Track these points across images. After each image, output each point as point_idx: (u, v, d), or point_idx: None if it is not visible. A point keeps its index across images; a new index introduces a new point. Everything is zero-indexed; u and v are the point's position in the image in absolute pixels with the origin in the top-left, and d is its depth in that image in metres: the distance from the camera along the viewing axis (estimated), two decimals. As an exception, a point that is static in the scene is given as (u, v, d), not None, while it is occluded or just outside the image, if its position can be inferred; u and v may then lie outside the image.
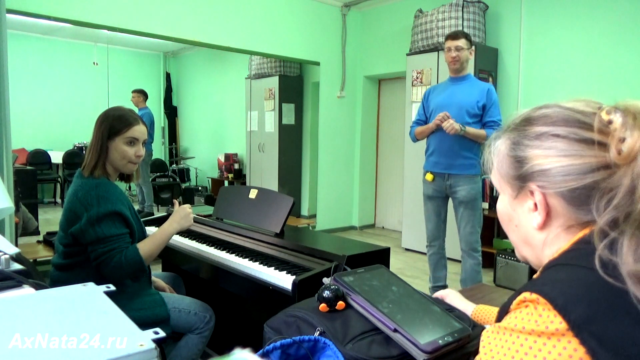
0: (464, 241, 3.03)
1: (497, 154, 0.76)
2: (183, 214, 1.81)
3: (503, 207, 0.78)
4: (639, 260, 0.58)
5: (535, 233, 0.73)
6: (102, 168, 1.74)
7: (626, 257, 0.59)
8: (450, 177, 2.98)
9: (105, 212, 1.65)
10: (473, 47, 3.00)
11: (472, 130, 2.86)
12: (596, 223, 0.64)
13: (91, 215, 1.63)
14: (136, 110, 5.45)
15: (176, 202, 1.93)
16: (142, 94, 5.69)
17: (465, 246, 3.03)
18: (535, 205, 0.71)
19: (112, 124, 1.75)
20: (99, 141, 1.74)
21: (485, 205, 4.28)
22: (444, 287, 3.15)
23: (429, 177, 3.07)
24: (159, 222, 2.59)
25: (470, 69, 4.38)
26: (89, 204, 1.64)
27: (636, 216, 0.60)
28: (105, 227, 1.65)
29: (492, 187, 4.29)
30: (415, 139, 3.17)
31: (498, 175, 0.76)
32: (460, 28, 4.46)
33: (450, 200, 3.11)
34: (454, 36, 2.98)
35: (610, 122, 0.65)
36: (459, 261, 4.44)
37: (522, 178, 0.72)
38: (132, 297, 1.73)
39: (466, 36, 2.98)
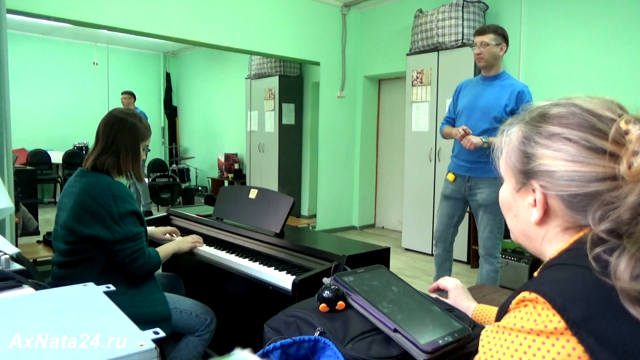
0: (482, 245, 2.91)
1: (508, 143, 0.75)
2: (184, 243, 2.08)
3: (505, 195, 0.78)
4: (634, 279, 0.58)
5: (534, 227, 0.73)
6: (117, 167, 1.78)
7: (622, 274, 0.58)
8: (471, 180, 2.87)
9: (126, 211, 1.69)
10: (504, 42, 2.78)
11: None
12: (591, 229, 0.64)
13: (114, 215, 1.66)
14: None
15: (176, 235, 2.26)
16: (132, 96, 5.72)
17: (483, 251, 2.92)
18: (535, 201, 0.71)
19: (142, 130, 1.83)
20: (133, 142, 1.80)
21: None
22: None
23: (451, 177, 2.96)
24: (158, 222, 2.59)
25: (468, 69, 4.41)
26: (107, 203, 1.66)
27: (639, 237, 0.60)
28: (131, 225, 1.71)
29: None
30: (443, 137, 3.09)
31: (505, 164, 0.76)
32: (460, 28, 4.46)
33: (468, 205, 3.00)
34: (480, 31, 2.80)
35: (627, 132, 0.64)
36: (458, 261, 4.46)
37: (527, 174, 0.71)
38: (135, 294, 1.73)
39: (495, 31, 2.77)
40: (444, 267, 3.14)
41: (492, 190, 2.80)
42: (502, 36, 2.80)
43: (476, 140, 2.70)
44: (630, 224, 0.61)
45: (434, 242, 3.16)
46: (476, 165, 2.84)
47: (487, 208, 2.84)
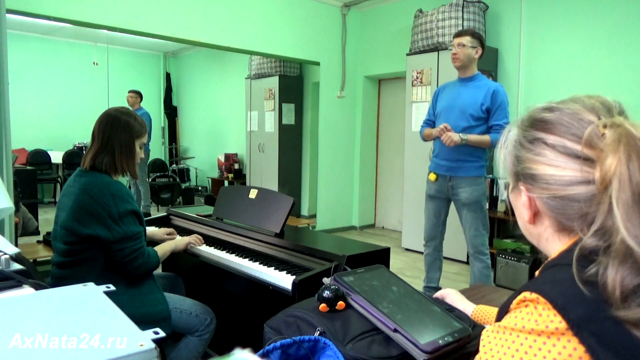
0: (470, 244, 2.97)
1: (506, 146, 0.78)
2: (181, 241, 2.08)
3: (509, 196, 0.81)
4: (626, 305, 0.56)
5: (530, 226, 0.75)
6: (114, 166, 1.78)
7: (612, 291, 0.57)
8: (453, 179, 2.94)
9: (125, 210, 1.69)
10: (480, 46, 2.89)
11: (474, 137, 2.81)
12: (581, 239, 0.64)
13: (113, 214, 1.66)
14: (136, 113, 5.48)
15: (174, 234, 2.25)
16: (139, 95, 5.71)
17: (472, 249, 2.97)
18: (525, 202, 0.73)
19: (136, 127, 1.82)
20: (127, 140, 1.79)
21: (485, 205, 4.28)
22: (437, 288, 3.10)
23: (432, 177, 3.03)
24: (158, 222, 2.59)
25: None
26: (106, 203, 1.66)
27: (617, 248, 0.59)
28: (130, 225, 1.70)
29: (491, 187, 4.29)
30: (424, 139, 3.16)
31: (505, 166, 0.78)
32: (460, 28, 4.46)
33: (452, 203, 3.06)
34: (458, 34, 2.92)
35: (604, 135, 0.64)
36: (455, 260, 4.46)
37: (517, 176, 0.74)
38: (135, 294, 1.73)
39: (473, 34, 2.89)
40: (434, 266, 3.16)
41: (474, 189, 2.90)
42: (479, 40, 2.91)
43: (456, 137, 2.79)
44: (605, 235, 0.60)
45: (424, 242, 3.20)
46: (456, 164, 2.92)
47: (471, 207, 2.92)
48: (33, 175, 4.78)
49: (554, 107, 0.71)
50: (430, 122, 3.12)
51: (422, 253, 4.86)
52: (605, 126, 0.64)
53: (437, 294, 1.27)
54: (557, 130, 0.68)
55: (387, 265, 1.75)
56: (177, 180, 6.82)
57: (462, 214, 2.97)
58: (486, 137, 2.83)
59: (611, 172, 0.60)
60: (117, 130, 1.78)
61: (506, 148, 0.77)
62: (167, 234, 2.23)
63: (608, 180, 0.60)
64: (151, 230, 2.21)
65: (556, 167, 0.67)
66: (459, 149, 2.87)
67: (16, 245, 2.71)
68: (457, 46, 2.88)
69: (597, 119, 0.66)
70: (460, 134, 2.81)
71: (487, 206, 3.02)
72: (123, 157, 1.78)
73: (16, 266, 1.05)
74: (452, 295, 1.24)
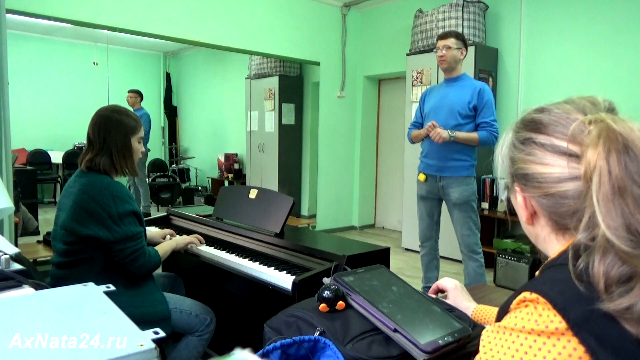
0: (463, 244, 2.99)
1: (503, 149, 0.79)
2: (182, 240, 2.06)
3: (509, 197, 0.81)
4: (608, 296, 0.57)
5: (528, 226, 0.76)
6: (114, 167, 1.77)
7: (597, 283, 0.58)
8: (443, 179, 2.96)
9: (125, 211, 1.69)
10: (464, 47, 2.93)
11: (462, 135, 2.83)
12: (574, 238, 0.64)
13: (113, 215, 1.66)
14: (131, 110, 5.48)
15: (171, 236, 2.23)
16: (139, 95, 5.70)
17: (465, 249, 2.99)
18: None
19: (130, 123, 1.81)
20: (122, 139, 1.78)
21: (485, 205, 4.28)
22: None
23: (422, 177, 3.05)
24: (158, 222, 2.59)
25: (468, 69, 4.42)
26: (105, 203, 1.66)
27: (599, 241, 0.59)
28: (130, 225, 1.70)
29: (491, 187, 4.29)
30: (412, 141, 3.18)
31: (502, 168, 0.79)
32: (460, 28, 4.46)
33: (444, 202, 3.07)
34: (443, 36, 2.95)
35: (589, 131, 0.65)
36: (454, 260, 4.46)
37: (512, 177, 0.75)
38: (134, 294, 1.73)
39: (457, 35, 2.92)
40: (432, 266, 3.17)
41: (464, 189, 2.92)
42: (463, 41, 2.94)
43: (444, 134, 2.81)
44: (592, 229, 0.61)
45: (419, 243, 3.20)
46: (445, 164, 2.94)
47: (462, 207, 2.94)
48: (33, 175, 4.78)
49: (544, 108, 0.72)
50: (417, 124, 3.14)
51: (422, 253, 4.88)
52: (590, 122, 0.65)
53: (440, 282, 1.24)
54: (546, 130, 0.69)
55: (387, 265, 1.75)
56: (177, 180, 6.82)
57: (453, 214, 2.99)
58: (474, 135, 2.85)
59: (592, 166, 0.61)
60: (112, 130, 1.76)
61: (502, 151, 0.78)
62: (165, 235, 2.23)
63: (590, 175, 0.61)
64: (150, 232, 2.21)
65: (545, 165, 0.68)
66: (448, 148, 2.88)
67: (16, 245, 2.71)
68: (443, 48, 2.90)
69: (583, 116, 0.67)
70: (449, 131, 2.82)
71: (476, 205, 3.03)
72: (121, 157, 1.78)
73: (16, 266, 1.05)
74: (454, 292, 1.20)
